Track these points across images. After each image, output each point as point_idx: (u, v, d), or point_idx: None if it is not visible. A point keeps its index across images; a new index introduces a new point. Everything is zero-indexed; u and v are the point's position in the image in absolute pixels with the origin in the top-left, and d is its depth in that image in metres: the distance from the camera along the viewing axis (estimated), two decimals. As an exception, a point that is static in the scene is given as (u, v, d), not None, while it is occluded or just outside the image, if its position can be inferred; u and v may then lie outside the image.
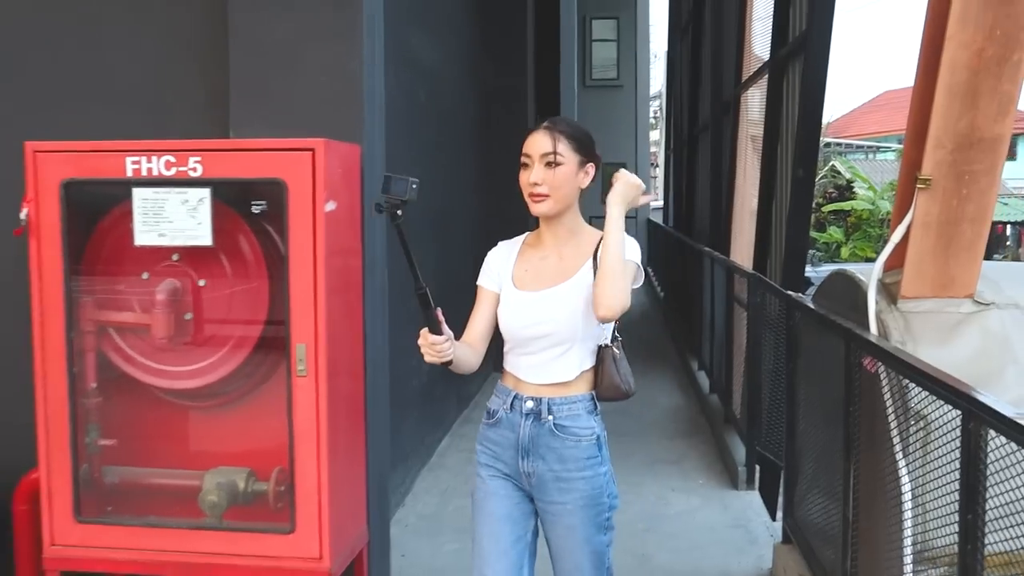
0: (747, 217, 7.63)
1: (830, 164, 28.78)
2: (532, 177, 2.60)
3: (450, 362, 2.47)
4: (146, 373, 3.30)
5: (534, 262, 2.71)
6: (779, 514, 4.76)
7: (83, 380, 3.26)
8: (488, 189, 8.36)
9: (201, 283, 3.23)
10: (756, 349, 5.72)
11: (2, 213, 3.34)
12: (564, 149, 2.60)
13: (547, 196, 2.60)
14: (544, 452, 2.63)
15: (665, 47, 19.75)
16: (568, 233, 2.69)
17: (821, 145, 28.43)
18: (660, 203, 22.01)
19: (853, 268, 3.68)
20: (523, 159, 2.64)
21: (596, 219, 2.71)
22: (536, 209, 2.63)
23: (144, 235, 3.08)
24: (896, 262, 3.31)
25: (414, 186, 2.32)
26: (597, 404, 2.68)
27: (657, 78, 30.09)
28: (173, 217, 3.05)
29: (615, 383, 2.64)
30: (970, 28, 2.83)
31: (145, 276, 3.25)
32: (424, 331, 2.41)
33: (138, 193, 3.06)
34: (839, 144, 35.90)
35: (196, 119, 3.62)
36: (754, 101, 7.69)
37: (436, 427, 6.79)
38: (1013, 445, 2.06)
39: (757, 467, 5.66)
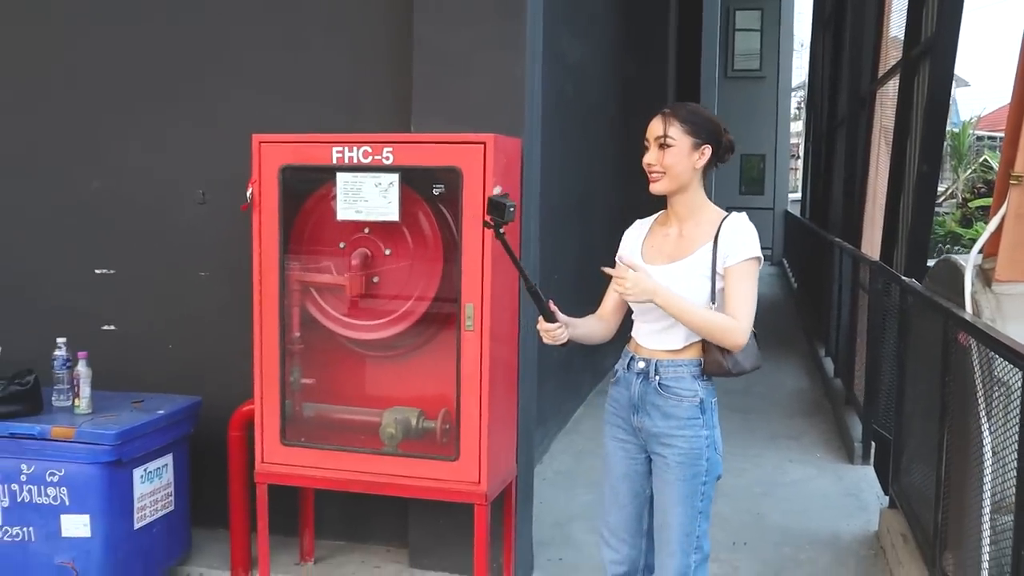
0: (878, 211, 7.91)
1: (982, 158, 27.87)
2: (646, 158, 2.90)
3: (565, 343, 2.88)
4: (339, 326, 4.00)
5: (659, 238, 2.99)
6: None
7: (289, 330, 3.96)
8: (627, 176, 8.87)
9: (387, 252, 3.89)
10: (876, 333, 6.09)
11: (232, 191, 4.05)
12: (675, 132, 2.85)
13: (662, 175, 2.88)
14: (650, 409, 2.92)
15: (810, 36, 19.70)
16: (688, 212, 2.93)
17: (974, 138, 27.60)
18: (798, 195, 21.99)
19: (959, 256, 4.06)
20: (644, 143, 2.93)
21: (732, 208, 3.09)
22: (653, 188, 2.92)
23: (345, 211, 3.75)
24: (993, 250, 3.70)
25: (511, 209, 2.78)
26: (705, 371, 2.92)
27: (801, 68, 29.75)
28: (368, 197, 3.70)
29: (716, 360, 2.86)
30: (1058, 45, 3.22)
31: (341, 245, 3.94)
32: (540, 318, 2.85)
33: (341, 177, 3.73)
34: (992, 138, 34.67)
35: (383, 116, 4.28)
36: (888, 97, 7.95)
37: (572, 396, 7.38)
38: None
39: (873, 443, 6.02)
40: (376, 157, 3.69)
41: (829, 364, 8.70)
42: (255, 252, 3.86)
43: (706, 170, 2.94)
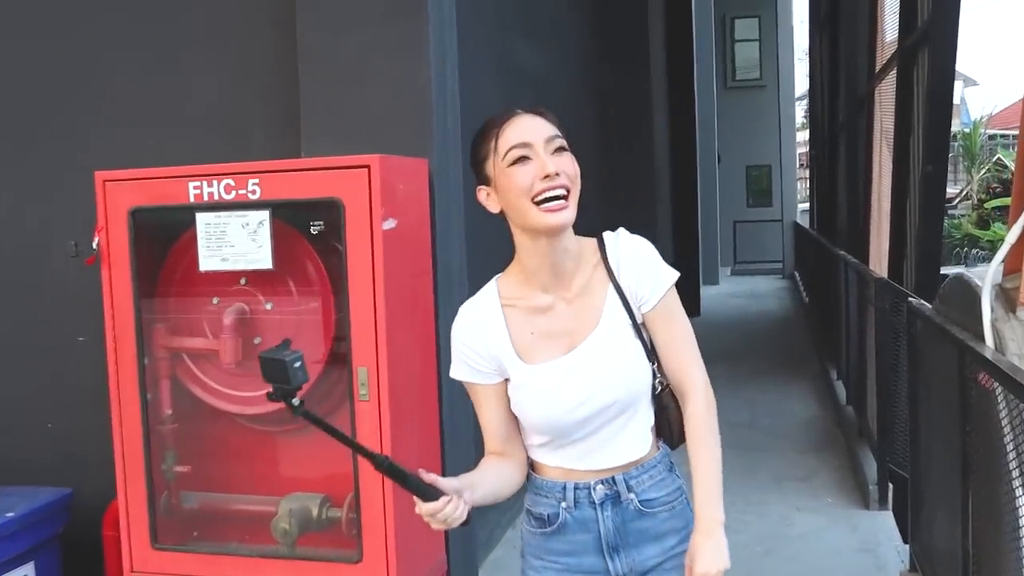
0: (884, 218, 7.21)
1: (995, 157, 27.20)
2: (549, 166, 1.88)
3: (467, 521, 1.84)
4: (219, 399, 3.28)
5: (537, 319, 2.02)
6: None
7: (158, 406, 3.26)
8: (610, 188, 8.16)
9: (268, 306, 3.18)
10: (887, 358, 5.34)
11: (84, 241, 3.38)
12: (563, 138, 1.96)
13: (568, 195, 1.90)
14: (636, 540, 2.07)
15: (808, 41, 19.08)
16: (574, 259, 2.01)
17: (986, 137, 26.91)
18: (807, 205, 21.29)
19: (972, 272, 3.32)
20: (517, 151, 1.90)
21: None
22: (555, 218, 1.89)
23: (208, 260, 3.05)
24: (1015, 264, 2.96)
25: (298, 365, 1.76)
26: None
27: (806, 76, 29.16)
28: (235, 241, 3.00)
29: (670, 431, 2.10)
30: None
31: (215, 301, 3.23)
32: (416, 501, 1.82)
33: (201, 218, 3.03)
34: (1005, 136, 33.87)
35: (273, 139, 3.62)
36: (887, 95, 7.27)
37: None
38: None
39: (890, 485, 5.27)
40: (240, 191, 2.99)
41: (841, 389, 7.93)
42: (106, 314, 3.17)
43: None
